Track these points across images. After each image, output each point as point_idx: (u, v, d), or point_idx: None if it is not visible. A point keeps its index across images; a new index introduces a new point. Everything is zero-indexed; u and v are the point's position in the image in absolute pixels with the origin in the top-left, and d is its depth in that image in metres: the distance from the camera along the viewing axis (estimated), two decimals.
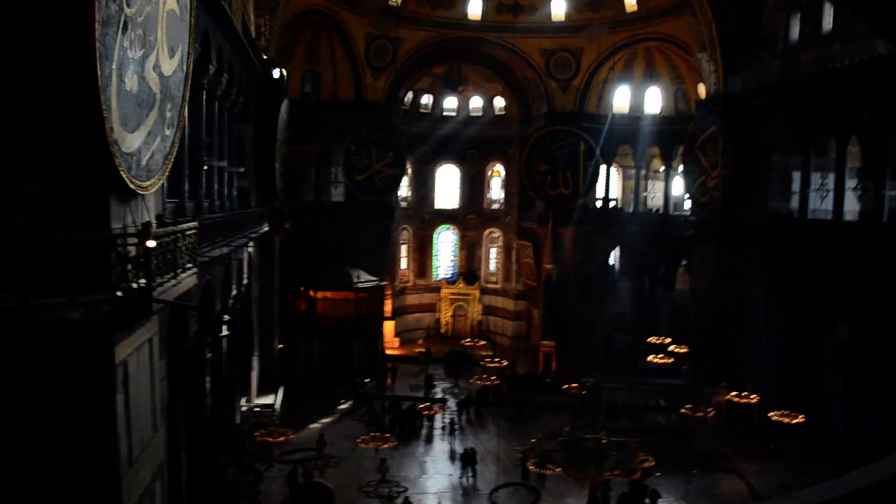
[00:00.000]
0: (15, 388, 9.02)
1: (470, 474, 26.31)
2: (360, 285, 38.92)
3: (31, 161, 9.37)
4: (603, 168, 42.31)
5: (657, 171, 45.36)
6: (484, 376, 32.63)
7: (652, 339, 34.47)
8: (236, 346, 25.86)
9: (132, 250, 9.69)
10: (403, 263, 49.31)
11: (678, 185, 43.81)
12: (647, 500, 22.69)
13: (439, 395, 36.14)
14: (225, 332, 22.77)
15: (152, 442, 12.12)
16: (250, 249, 28.21)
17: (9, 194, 9.11)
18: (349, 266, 39.83)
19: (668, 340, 33.93)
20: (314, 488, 21.73)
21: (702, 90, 38.74)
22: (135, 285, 9.60)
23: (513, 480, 25.37)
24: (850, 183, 27.48)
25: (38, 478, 9.19)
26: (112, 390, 9.76)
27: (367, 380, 37.59)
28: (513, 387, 36.25)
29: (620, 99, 43.03)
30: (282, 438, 25.22)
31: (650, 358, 31.91)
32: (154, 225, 12.16)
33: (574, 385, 30.41)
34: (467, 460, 26.61)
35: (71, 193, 9.56)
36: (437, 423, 32.13)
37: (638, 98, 42.95)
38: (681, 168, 40.78)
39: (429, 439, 31.04)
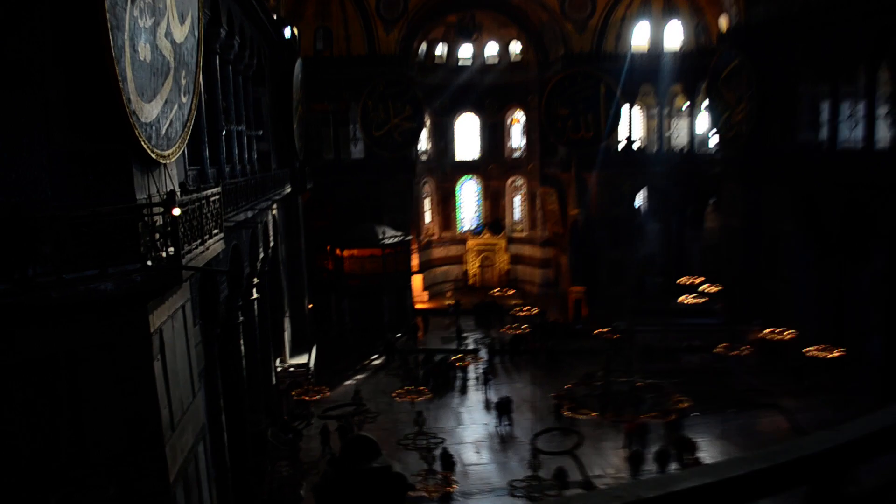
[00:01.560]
0: (52, 359, 9.15)
1: (506, 422, 26.51)
2: (385, 241, 39.21)
3: (49, 134, 9.47)
4: (625, 109, 41.91)
5: (680, 109, 44.88)
6: (515, 325, 33.02)
7: (683, 280, 34.50)
8: (267, 308, 26.18)
9: (159, 219, 9.68)
10: (428, 217, 49.53)
11: (703, 122, 43.37)
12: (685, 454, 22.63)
13: (471, 347, 36.37)
14: (255, 295, 23.02)
15: (192, 406, 12.33)
16: (274, 212, 28.34)
17: (31, 170, 9.26)
18: (374, 223, 40.13)
19: (700, 280, 33.94)
20: (360, 441, 22.26)
21: (723, 23, 37.98)
22: (164, 254, 9.72)
23: (552, 426, 25.67)
24: (881, 110, 27.00)
25: (80, 447, 9.38)
26: (149, 358, 9.94)
27: (398, 335, 37.95)
28: (544, 334, 36.44)
29: (639, 36, 42.22)
30: (318, 396, 25.78)
31: (682, 299, 31.94)
32: (178, 193, 12.19)
33: (606, 330, 30.78)
34: (503, 409, 26.76)
35: (94, 166, 9.66)
36: (471, 374, 32.45)
37: (657, 34, 42.09)
38: (705, 104, 40.32)
39: (463, 390, 31.29)
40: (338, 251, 39.04)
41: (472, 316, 42.02)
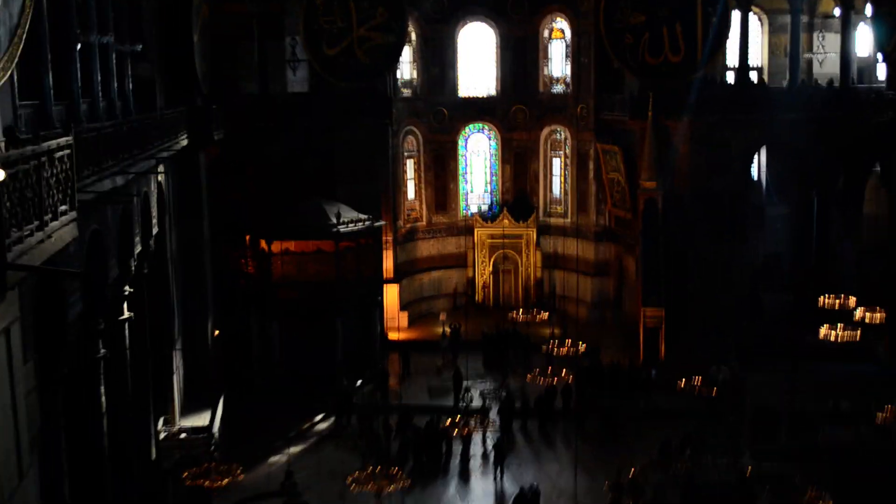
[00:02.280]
0: None
1: None
2: (342, 229, 39.14)
3: None
4: (735, 16, 41.91)
5: (828, 18, 45.19)
6: (548, 371, 33.10)
7: (826, 300, 34.26)
8: (147, 335, 26.47)
9: None
10: (411, 190, 49.69)
11: (865, 39, 43.50)
12: None
13: (476, 403, 36.75)
14: (127, 313, 23.29)
15: (17, 494, 12.33)
16: (161, 178, 28.69)
17: None
18: (323, 198, 40.24)
19: (854, 302, 33.75)
20: None
21: None
22: None
23: None
24: None
25: None
26: None
27: (358, 381, 38.43)
28: (596, 386, 36.84)
29: None
30: (225, 481, 25.32)
31: (823, 331, 31.87)
32: (2, 143, 12.15)
33: (697, 380, 31.03)
34: None
35: None
36: (476, 448, 33.00)
37: None
38: (869, 10, 39.86)
39: (463, 474, 31.80)
40: (264, 244, 38.85)
41: (481, 353, 42.28)
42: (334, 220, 39.04)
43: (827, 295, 34.65)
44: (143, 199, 25.79)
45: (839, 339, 31.75)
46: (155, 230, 27.64)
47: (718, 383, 30.86)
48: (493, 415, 35.52)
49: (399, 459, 30.28)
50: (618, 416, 34.89)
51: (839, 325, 32.01)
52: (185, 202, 33.28)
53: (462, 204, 51.73)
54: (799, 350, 33.45)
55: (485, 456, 32.87)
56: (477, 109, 50.88)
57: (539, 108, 50.64)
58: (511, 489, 29.70)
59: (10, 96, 14.25)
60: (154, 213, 27.45)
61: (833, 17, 44.58)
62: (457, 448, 32.71)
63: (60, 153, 13.19)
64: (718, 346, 34.79)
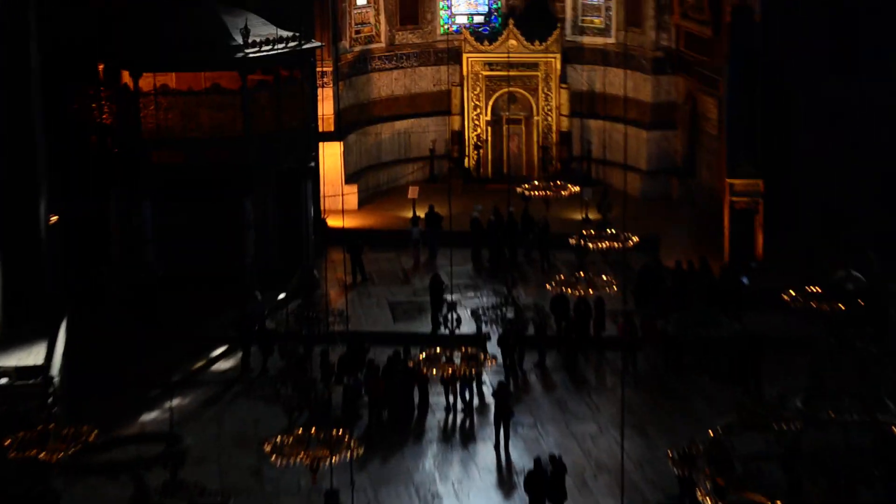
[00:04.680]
0: None
1: None
2: (252, 53, 35.07)
3: None
4: None
5: None
6: (580, 275, 26.90)
7: None
8: None
9: None
10: None
11: None
12: None
13: (466, 328, 31.38)
14: None
15: None
16: None
17: None
18: (221, 6, 36.46)
19: None
20: None
21: None
22: None
23: None
24: None
25: None
26: None
27: (280, 295, 35.27)
28: (654, 299, 33.41)
29: None
30: (72, 450, 19.63)
31: None
32: None
33: (814, 290, 23.13)
34: (542, 487, 24.07)
35: None
36: (466, 398, 29.43)
37: None
38: None
39: (445, 438, 28.65)
40: (127, 78, 35.17)
41: (471, 249, 38.77)
42: (239, 40, 34.28)
43: None
44: None
45: None
46: None
47: (847, 294, 22.36)
48: (493, 346, 30.87)
49: (346, 415, 27.48)
50: (689, 346, 30.47)
51: None
52: None
53: (443, 14, 46.23)
54: None
55: (479, 409, 28.91)
56: None
57: None
58: (521, 461, 26.37)
59: None
60: None
61: None
62: (436, 398, 29.06)
63: None
64: (846, 237, 27.66)
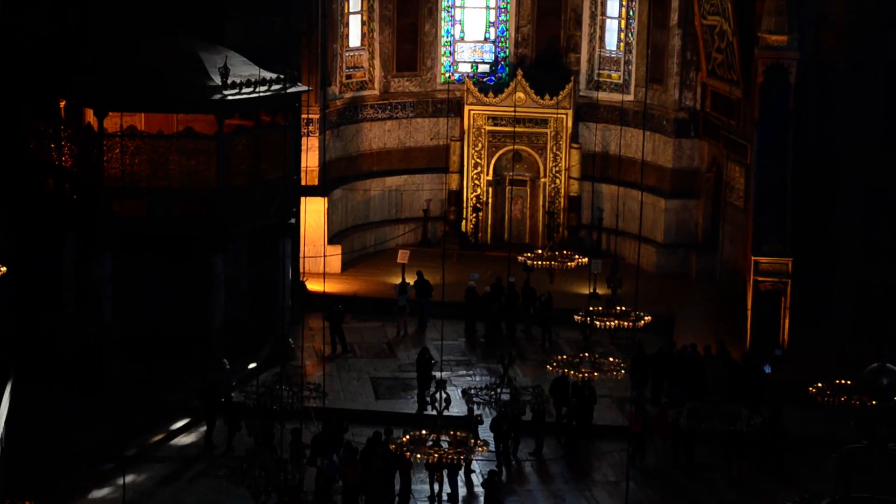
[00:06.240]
0: None
1: None
2: (230, 95, 33.75)
3: None
4: None
5: None
6: (584, 357, 26.10)
7: None
8: None
9: None
10: (355, 33, 43.77)
11: None
12: None
13: (456, 410, 30.85)
14: None
15: None
16: None
17: None
18: (199, 40, 35.32)
19: None
20: None
21: None
22: None
23: None
24: None
25: None
26: None
27: (251, 364, 33.89)
28: (664, 382, 33.09)
29: None
30: None
31: None
32: None
33: (841, 383, 23.18)
34: None
35: None
36: (453, 486, 28.64)
37: None
38: None
39: None
40: (91, 117, 33.87)
41: (465, 321, 38.01)
42: (217, 80, 33.22)
43: None
44: None
45: None
46: None
47: (880, 390, 22.17)
48: (485, 430, 29.79)
49: (318, 501, 27.04)
50: (703, 440, 28.77)
51: None
52: None
53: (444, 61, 45.64)
54: None
55: (467, 500, 28.41)
56: None
57: None
58: None
59: None
60: None
61: None
62: (420, 486, 28.27)
63: None
64: (882, 327, 27.46)
